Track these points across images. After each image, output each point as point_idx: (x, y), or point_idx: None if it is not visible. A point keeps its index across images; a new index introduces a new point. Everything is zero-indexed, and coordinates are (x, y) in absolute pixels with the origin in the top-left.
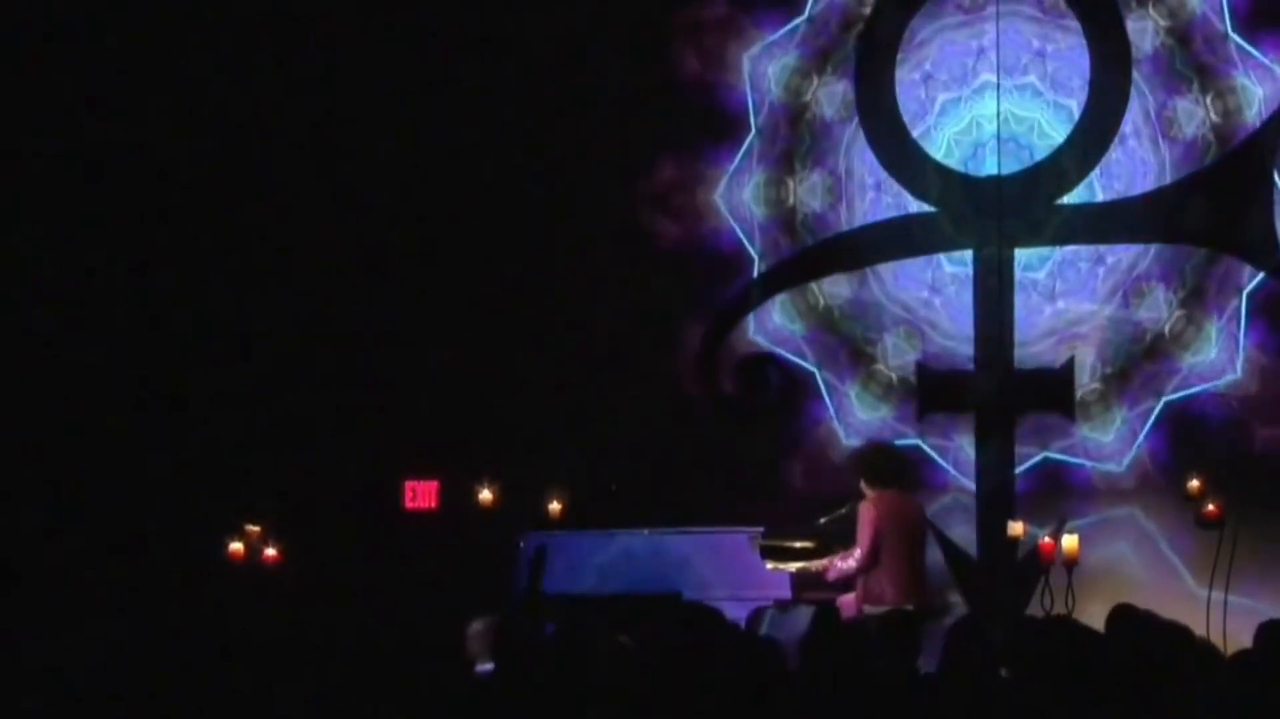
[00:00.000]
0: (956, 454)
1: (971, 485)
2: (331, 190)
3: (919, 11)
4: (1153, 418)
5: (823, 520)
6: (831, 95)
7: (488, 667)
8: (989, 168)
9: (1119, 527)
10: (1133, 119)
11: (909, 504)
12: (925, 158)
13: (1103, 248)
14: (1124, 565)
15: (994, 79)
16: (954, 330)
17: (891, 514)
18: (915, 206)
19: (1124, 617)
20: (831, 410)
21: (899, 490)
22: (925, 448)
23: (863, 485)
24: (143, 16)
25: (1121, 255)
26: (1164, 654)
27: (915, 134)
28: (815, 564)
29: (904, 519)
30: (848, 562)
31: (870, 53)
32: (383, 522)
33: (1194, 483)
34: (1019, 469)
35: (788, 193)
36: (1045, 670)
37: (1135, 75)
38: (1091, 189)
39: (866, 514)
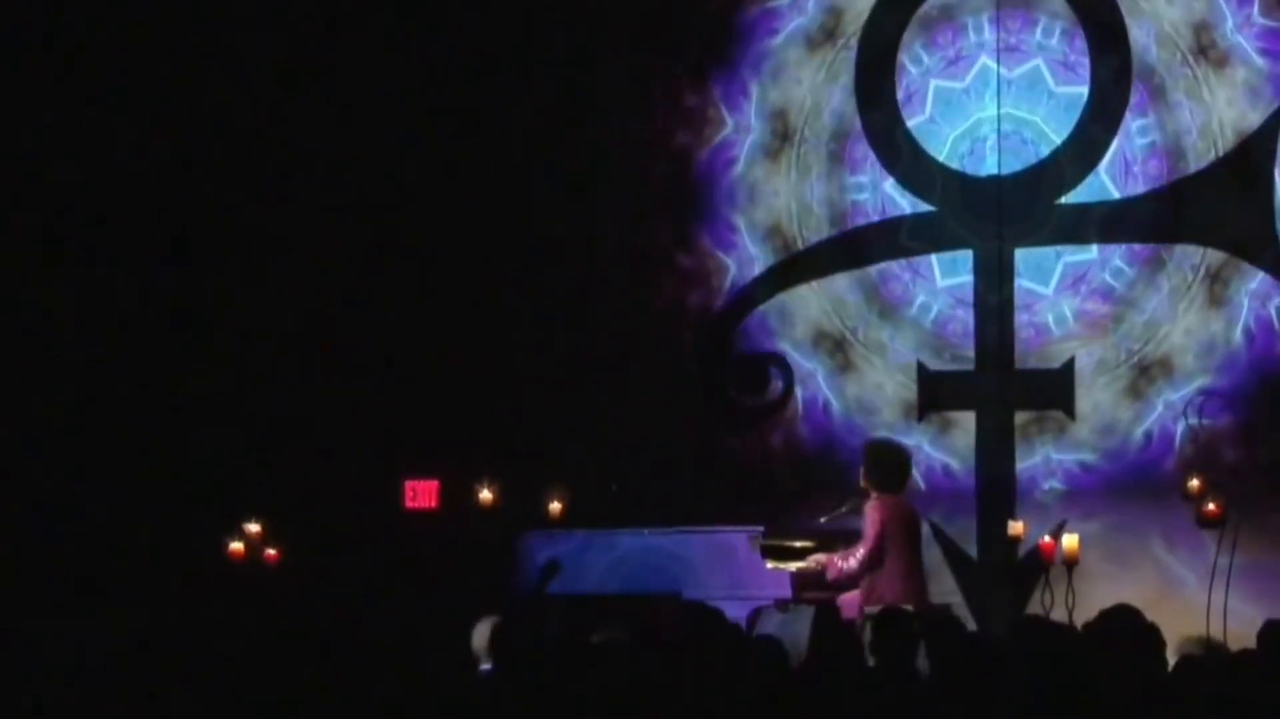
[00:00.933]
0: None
1: (970, 486)
2: (332, 190)
3: (917, 12)
4: (1155, 417)
5: (823, 520)
6: (820, 130)
7: (488, 666)
8: (989, 167)
9: (1119, 526)
10: (1133, 116)
11: (910, 505)
12: (925, 157)
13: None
14: (1124, 565)
15: (992, 67)
16: (954, 330)
17: (897, 516)
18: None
19: (1121, 616)
20: (832, 410)
21: (899, 490)
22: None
23: (866, 484)
24: (139, 16)
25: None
26: (1160, 654)
27: (914, 131)
28: (814, 560)
29: (907, 521)
30: (848, 561)
31: (871, 52)
32: (383, 522)
33: (1194, 483)
34: (1019, 469)
35: (790, 225)
36: (1043, 670)
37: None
38: (1092, 188)
39: (873, 516)
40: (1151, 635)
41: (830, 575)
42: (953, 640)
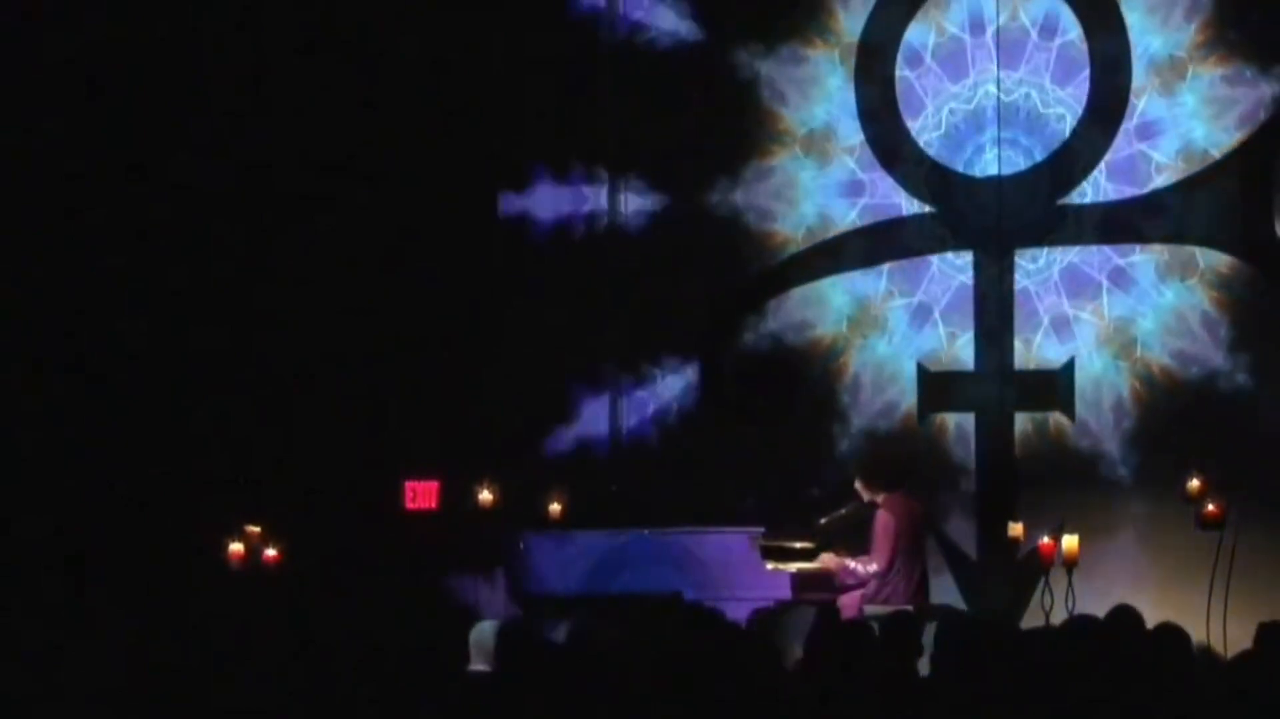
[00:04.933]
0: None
1: (970, 486)
2: (333, 190)
3: (917, 14)
4: (1155, 417)
5: (823, 520)
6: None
7: (485, 667)
8: (989, 167)
9: (1119, 527)
10: (1133, 115)
11: (915, 505)
12: (925, 158)
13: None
14: (1124, 565)
15: (992, 72)
16: (954, 330)
17: (903, 515)
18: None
19: (1123, 617)
20: (832, 410)
21: (905, 491)
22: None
23: (865, 489)
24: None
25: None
26: (1163, 655)
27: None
28: (828, 563)
29: (914, 521)
30: (869, 567)
31: (871, 53)
32: (383, 522)
33: (1194, 483)
34: (1018, 469)
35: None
36: (1046, 671)
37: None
38: (1092, 189)
39: (885, 522)
40: (1168, 636)
41: (847, 581)
42: (960, 640)
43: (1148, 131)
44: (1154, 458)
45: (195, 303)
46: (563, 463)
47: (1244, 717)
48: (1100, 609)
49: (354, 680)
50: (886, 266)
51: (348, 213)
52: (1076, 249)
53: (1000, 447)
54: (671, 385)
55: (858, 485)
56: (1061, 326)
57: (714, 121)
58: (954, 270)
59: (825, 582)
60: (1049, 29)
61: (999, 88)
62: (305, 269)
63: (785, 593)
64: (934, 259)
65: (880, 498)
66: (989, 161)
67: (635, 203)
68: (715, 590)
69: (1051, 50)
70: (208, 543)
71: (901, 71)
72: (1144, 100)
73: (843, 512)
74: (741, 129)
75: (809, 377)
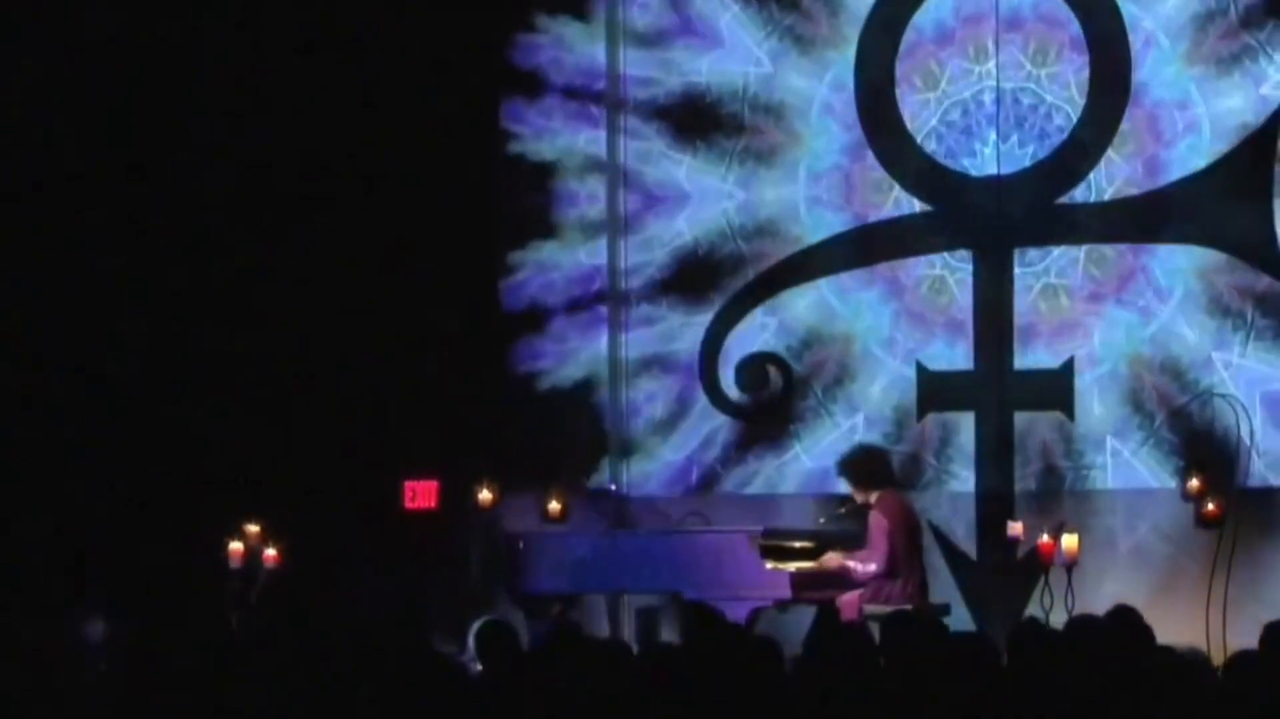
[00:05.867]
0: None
1: (970, 486)
2: (332, 190)
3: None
4: (1155, 416)
5: (822, 520)
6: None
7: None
8: (988, 166)
9: (1119, 526)
10: (1133, 115)
11: (906, 502)
12: (925, 156)
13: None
14: (1124, 565)
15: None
16: (954, 330)
17: (897, 514)
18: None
19: (1123, 617)
20: (831, 410)
21: (894, 489)
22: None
23: (856, 491)
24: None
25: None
26: (1163, 655)
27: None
28: (829, 563)
29: (909, 520)
30: (869, 566)
31: (871, 51)
32: (383, 522)
33: (1194, 483)
34: (1018, 469)
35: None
36: (1045, 671)
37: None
38: (1092, 188)
39: (878, 521)
40: (1146, 635)
41: (859, 577)
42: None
43: (1148, 130)
44: (1154, 457)
45: (195, 303)
46: (561, 463)
47: (1244, 717)
48: (1100, 609)
49: (354, 680)
50: (885, 266)
51: (348, 213)
52: (1076, 248)
53: (1000, 447)
54: (669, 387)
55: (857, 493)
56: (1061, 326)
57: (712, 131)
58: (954, 270)
59: (825, 581)
60: (1050, 25)
61: (999, 85)
62: (305, 269)
63: (785, 593)
64: (934, 259)
65: (872, 497)
66: (989, 160)
67: (636, 201)
68: (715, 590)
69: (1052, 47)
70: (208, 543)
71: (901, 69)
72: (1145, 98)
73: (841, 511)
74: (740, 134)
75: (808, 377)
